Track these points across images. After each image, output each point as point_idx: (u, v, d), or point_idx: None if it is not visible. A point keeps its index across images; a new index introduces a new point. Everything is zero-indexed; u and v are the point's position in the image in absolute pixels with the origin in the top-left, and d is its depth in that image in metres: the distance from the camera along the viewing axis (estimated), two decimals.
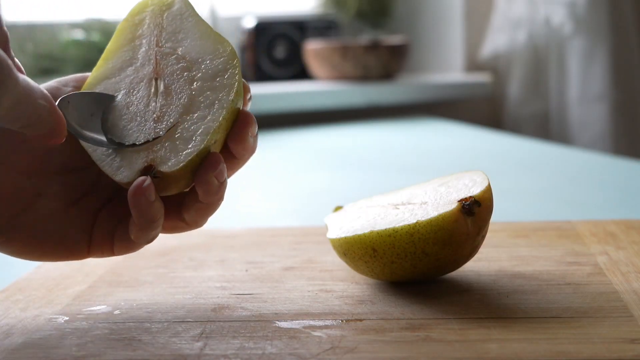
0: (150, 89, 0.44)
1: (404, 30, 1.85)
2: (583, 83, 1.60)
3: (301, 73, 1.73)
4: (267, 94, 1.56)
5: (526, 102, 1.69)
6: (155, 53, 0.45)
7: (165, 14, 0.46)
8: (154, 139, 0.42)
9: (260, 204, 0.85)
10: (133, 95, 0.44)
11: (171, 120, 0.42)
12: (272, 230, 0.63)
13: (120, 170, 0.42)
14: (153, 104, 0.43)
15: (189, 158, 0.40)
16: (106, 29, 1.45)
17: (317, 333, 0.40)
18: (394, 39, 1.67)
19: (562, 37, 1.63)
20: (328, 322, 0.42)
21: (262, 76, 1.70)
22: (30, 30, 1.54)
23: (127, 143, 0.42)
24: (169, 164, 0.41)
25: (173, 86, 0.44)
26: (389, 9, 1.73)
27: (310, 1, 1.79)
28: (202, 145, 0.40)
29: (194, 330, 0.42)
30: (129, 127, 0.43)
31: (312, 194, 0.90)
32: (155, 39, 0.46)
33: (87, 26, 1.47)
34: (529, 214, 0.73)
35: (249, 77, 1.71)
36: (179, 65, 0.44)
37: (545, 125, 1.69)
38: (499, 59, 1.73)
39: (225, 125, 0.41)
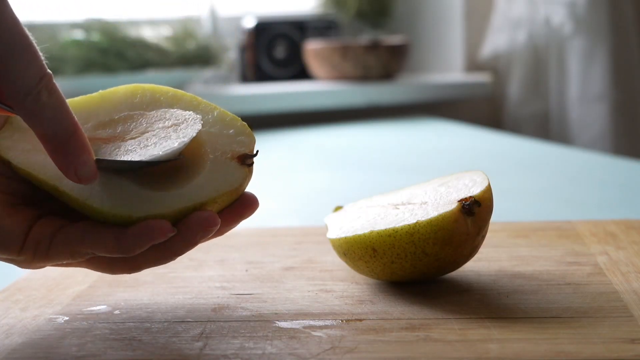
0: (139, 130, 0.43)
1: (404, 30, 1.85)
2: (583, 83, 1.60)
3: (301, 73, 1.73)
4: (267, 94, 1.56)
5: (526, 102, 1.69)
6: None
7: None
8: (198, 130, 0.41)
9: (260, 204, 0.85)
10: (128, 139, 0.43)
11: (189, 118, 0.42)
12: (272, 230, 0.63)
13: (231, 176, 0.42)
14: (155, 126, 0.43)
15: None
16: (106, 29, 1.45)
17: (317, 333, 0.40)
18: (394, 39, 1.67)
19: (562, 37, 1.63)
20: (328, 322, 0.42)
21: (262, 76, 1.70)
22: (30, 30, 1.52)
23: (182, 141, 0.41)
24: (246, 142, 0.43)
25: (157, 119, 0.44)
26: (389, 9, 1.73)
27: (310, 1, 1.79)
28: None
29: (194, 330, 0.42)
30: (156, 145, 0.42)
31: (312, 194, 0.90)
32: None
33: (87, 26, 1.47)
34: (529, 214, 0.73)
35: (249, 77, 1.71)
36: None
37: (545, 125, 1.69)
38: (499, 59, 1.73)
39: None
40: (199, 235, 0.41)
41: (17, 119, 0.44)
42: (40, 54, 0.40)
